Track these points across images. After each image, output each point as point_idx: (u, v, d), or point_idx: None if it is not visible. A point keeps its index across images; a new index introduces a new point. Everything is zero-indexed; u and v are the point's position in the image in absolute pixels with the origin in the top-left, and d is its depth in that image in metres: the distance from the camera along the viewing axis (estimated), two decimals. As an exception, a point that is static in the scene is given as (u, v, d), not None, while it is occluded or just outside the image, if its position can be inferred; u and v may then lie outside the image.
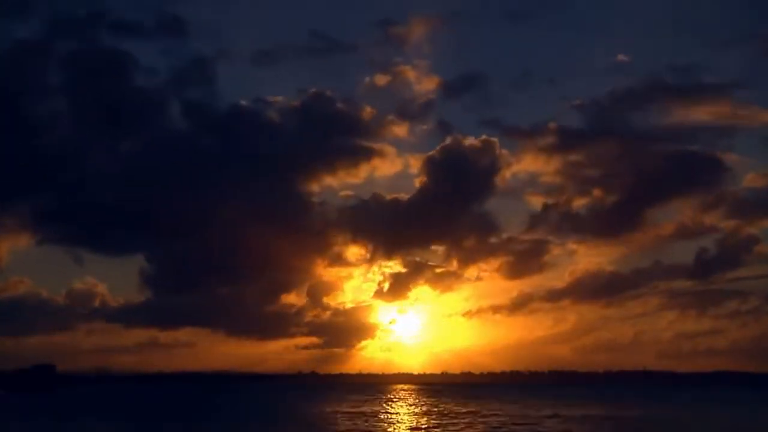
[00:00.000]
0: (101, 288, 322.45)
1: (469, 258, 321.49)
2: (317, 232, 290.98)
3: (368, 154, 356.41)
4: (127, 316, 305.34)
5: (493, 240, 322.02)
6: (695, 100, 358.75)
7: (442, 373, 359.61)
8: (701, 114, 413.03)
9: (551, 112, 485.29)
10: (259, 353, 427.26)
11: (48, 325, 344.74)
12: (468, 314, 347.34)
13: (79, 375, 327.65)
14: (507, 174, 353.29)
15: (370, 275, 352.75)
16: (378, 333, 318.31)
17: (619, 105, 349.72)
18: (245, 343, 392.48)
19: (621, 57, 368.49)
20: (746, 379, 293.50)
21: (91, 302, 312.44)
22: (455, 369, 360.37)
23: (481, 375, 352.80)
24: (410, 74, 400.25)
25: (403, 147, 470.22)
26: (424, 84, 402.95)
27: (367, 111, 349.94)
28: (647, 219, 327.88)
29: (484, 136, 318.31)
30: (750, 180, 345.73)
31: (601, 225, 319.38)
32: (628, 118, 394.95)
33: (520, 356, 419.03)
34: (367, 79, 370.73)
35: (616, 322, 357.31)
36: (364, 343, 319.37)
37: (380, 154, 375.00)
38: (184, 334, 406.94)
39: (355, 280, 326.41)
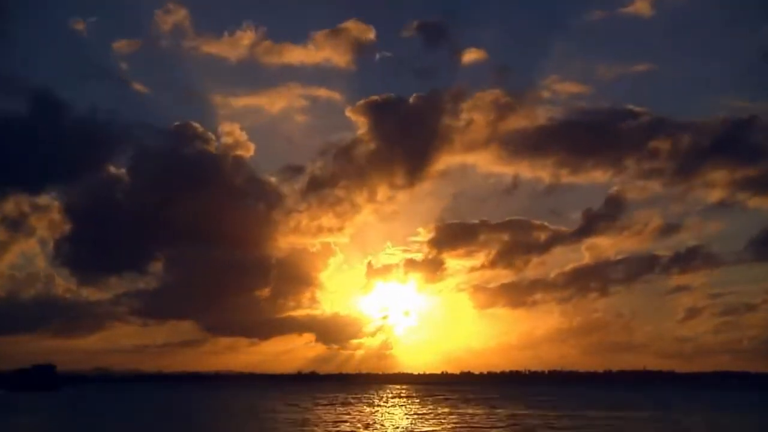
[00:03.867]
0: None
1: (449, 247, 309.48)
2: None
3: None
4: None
5: (473, 223, 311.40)
6: None
7: (442, 373, 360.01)
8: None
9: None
10: (258, 353, 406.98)
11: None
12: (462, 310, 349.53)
13: (79, 374, 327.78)
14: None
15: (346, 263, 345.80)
16: (374, 330, 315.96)
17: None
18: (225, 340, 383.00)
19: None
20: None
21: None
22: (455, 369, 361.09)
23: (481, 375, 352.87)
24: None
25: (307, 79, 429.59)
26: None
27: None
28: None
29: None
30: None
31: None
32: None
33: (520, 356, 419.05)
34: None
35: (617, 318, 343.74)
36: (361, 341, 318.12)
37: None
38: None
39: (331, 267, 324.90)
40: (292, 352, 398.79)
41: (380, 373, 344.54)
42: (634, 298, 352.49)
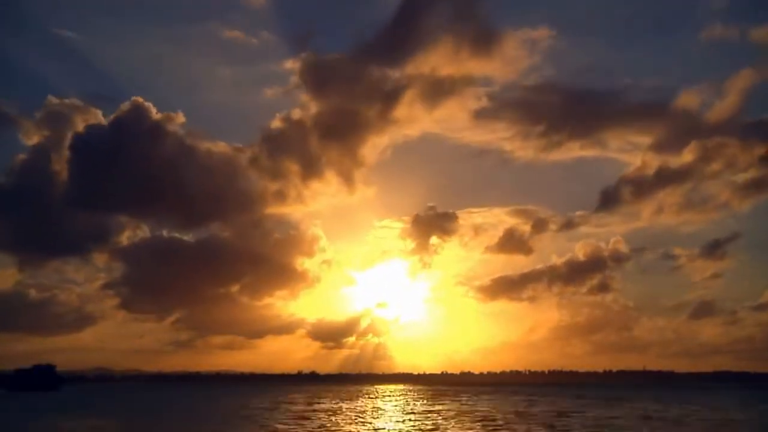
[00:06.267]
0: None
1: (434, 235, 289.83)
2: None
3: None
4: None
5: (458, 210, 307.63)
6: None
7: (442, 373, 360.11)
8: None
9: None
10: (259, 354, 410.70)
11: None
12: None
13: (79, 374, 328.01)
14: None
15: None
16: (365, 328, 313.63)
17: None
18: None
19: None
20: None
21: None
22: (455, 369, 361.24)
23: (481, 375, 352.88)
24: None
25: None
26: None
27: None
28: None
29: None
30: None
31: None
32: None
33: (520, 356, 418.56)
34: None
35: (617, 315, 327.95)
36: (354, 339, 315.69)
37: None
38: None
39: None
40: (289, 351, 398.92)
41: (380, 373, 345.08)
42: (636, 294, 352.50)
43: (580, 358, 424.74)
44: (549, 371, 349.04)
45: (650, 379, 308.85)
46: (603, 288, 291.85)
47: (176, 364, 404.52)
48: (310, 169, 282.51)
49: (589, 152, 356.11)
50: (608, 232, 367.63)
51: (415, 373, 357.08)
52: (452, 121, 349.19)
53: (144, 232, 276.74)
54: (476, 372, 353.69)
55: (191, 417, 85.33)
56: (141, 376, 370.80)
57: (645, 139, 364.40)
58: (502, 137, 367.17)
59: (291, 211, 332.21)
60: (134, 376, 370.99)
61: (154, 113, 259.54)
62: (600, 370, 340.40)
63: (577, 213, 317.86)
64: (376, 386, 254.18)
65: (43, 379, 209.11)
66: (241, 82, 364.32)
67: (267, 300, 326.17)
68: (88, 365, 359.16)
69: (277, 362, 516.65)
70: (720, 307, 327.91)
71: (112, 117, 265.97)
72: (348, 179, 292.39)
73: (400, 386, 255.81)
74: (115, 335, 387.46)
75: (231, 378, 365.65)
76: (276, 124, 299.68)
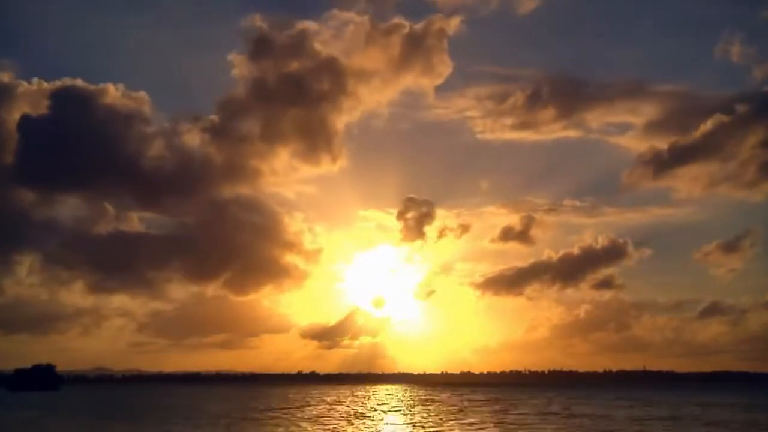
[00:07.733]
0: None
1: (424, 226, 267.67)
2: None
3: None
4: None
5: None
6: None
7: (442, 372, 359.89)
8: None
9: None
10: (258, 353, 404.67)
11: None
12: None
13: (80, 374, 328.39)
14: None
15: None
16: (369, 327, 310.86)
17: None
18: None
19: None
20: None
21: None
22: (454, 369, 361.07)
23: (481, 375, 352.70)
24: None
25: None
26: None
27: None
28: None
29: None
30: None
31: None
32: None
33: (520, 356, 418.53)
34: None
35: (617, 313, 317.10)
36: (358, 340, 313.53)
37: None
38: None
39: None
40: (287, 351, 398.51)
41: (380, 372, 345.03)
42: (636, 291, 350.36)
43: (580, 357, 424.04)
44: (549, 371, 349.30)
45: (650, 379, 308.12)
46: (603, 284, 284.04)
47: (176, 364, 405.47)
48: (272, 143, 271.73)
49: (573, 133, 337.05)
50: (605, 224, 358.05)
51: (415, 372, 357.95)
52: (423, 96, 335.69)
53: (109, 215, 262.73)
54: (476, 372, 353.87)
55: (191, 417, 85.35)
56: (141, 376, 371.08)
57: (637, 120, 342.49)
58: (471, 116, 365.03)
59: (265, 195, 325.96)
60: (134, 376, 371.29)
61: (91, 86, 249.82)
62: (600, 369, 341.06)
63: (576, 204, 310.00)
64: (370, 386, 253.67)
65: (43, 379, 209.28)
66: (181, 46, 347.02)
67: (253, 296, 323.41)
68: (88, 365, 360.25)
69: (277, 362, 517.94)
70: (724, 305, 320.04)
71: (49, 90, 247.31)
72: (319, 154, 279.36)
73: (401, 387, 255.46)
74: (102, 333, 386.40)
75: (232, 378, 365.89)
76: (229, 93, 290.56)
